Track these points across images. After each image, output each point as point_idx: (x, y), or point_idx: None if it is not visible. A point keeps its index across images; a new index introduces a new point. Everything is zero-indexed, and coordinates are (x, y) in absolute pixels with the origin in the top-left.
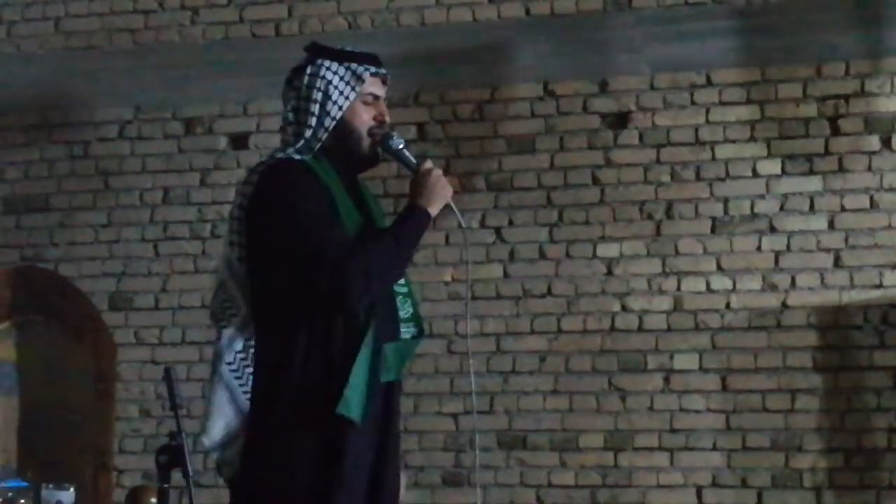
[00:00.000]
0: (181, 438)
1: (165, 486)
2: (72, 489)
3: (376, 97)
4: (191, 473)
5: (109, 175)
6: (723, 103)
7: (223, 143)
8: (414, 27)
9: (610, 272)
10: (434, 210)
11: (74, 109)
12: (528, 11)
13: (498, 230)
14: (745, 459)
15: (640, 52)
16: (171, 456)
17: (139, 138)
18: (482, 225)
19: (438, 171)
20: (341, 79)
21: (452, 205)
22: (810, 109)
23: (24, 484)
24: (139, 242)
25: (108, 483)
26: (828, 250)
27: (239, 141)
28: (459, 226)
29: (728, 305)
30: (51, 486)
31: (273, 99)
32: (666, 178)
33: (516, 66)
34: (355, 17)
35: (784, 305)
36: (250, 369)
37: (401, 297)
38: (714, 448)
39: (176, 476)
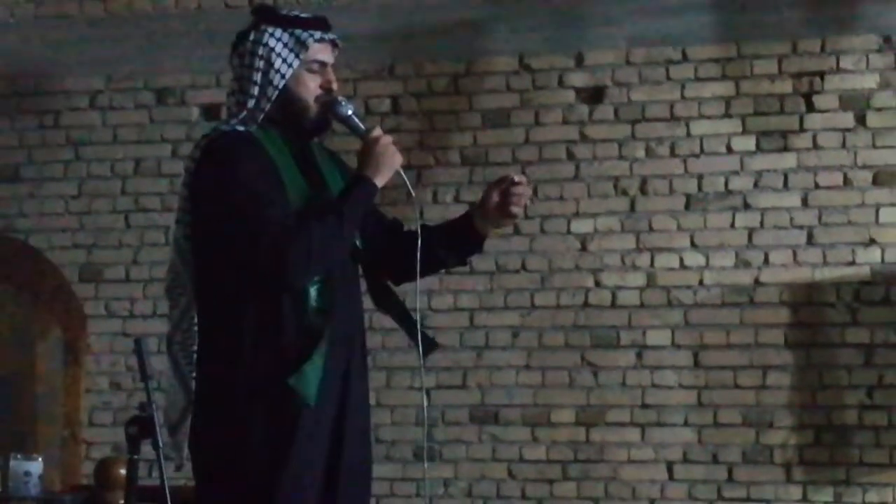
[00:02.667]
0: (151, 410)
1: (135, 457)
2: (40, 459)
3: (323, 64)
4: (161, 445)
5: (80, 145)
6: (698, 79)
7: (195, 113)
8: (390, 1)
9: (584, 248)
10: (381, 180)
11: (45, 79)
12: None
13: (472, 205)
14: (716, 435)
15: (615, 27)
16: (141, 427)
17: (110, 108)
18: (456, 200)
19: (387, 139)
20: (284, 45)
21: (402, 173)
22: (785, 86)
23: None
24: (110, 214)
25: (76, 454)
26: (801, 227)
27: (211, 112)
28: (408, 195)
29: (701, 282)
30: (19, 456)
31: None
32: (641, 153)
33: (492, 39)
34: None
35: (757, 282)
36: (195, 348)
37: None
38: (685, 424)
39: (146, 449)
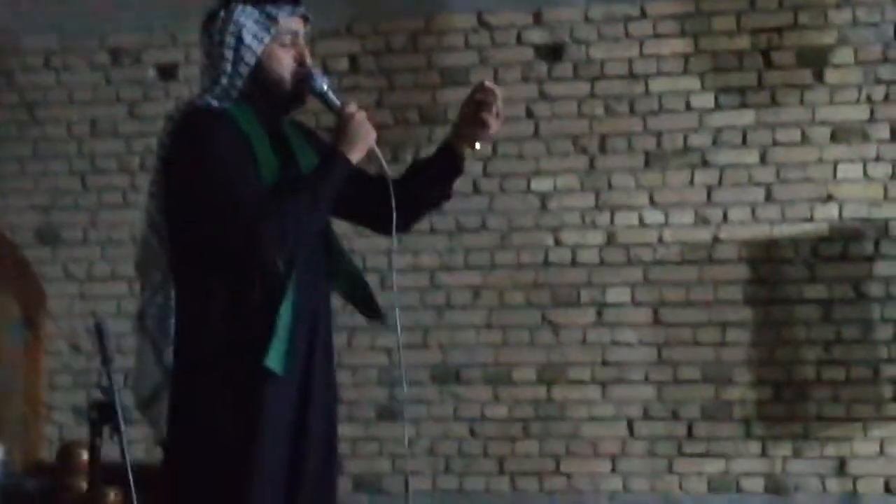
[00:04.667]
0: (113, 393)
1: (97, 441)
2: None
3: (294, 37)
4: (122, 429)
5: (35, 106)
6: (657, 36)
7: (151, 73)
8: None
9: (544, 206)
10: (356, 156)
11: None
12: None
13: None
14: (675, 392)
15: None
16: (102, 411)
17: (65, 68)
18: (416, 158)
19: (362, 115)
20: (255, 22)
21: (377, 150)
22: (743, 42)
23: None
24: (66, 175)
25: (39, 432)
26: (759, 184)
27: (167, 72)
28: (381, 171)
29: (660, 239)
30: None
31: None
32: (600, 111)
33: None
34: None
35: (716, 239)
36: (172, 321)
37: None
38: (646, 381)
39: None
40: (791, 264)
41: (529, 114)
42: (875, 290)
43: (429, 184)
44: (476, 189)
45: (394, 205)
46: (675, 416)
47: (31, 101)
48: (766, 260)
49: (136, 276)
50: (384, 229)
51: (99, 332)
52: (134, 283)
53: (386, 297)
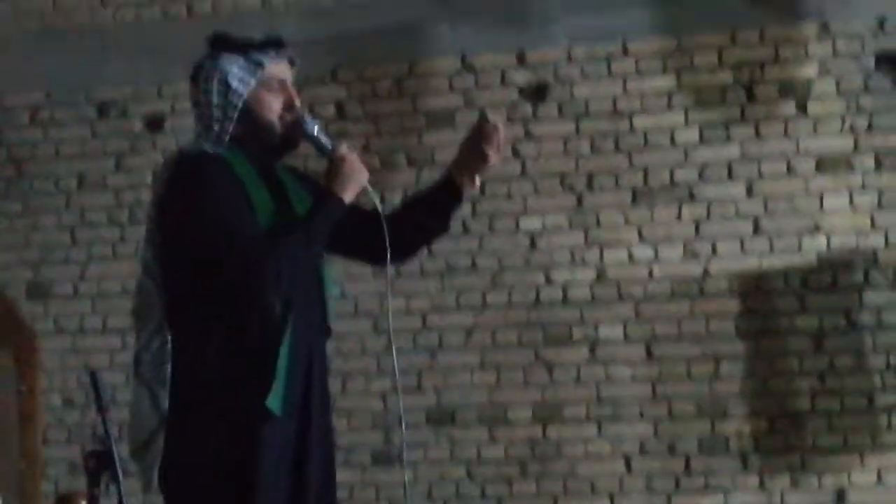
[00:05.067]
0: (110, 442)
1: (95, 491)
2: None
3: (282, 81)
4: (120, 478)
5: (23, 161)
6: (639, 73)
7: (138, 125)
8: (328, 5)
9: (533, 245)
10: (349, 196)
11: None
12: None
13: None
14: (672, 427)
15: (556, 24)
16: (100, 460)
17: (52, 123)
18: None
19: (354, 156)
20: (241, 68)
21: (370, 189)
22: (726, 77)
23: None
24: (56, 229)
25: (34, 487)
26: (747, 217)
27: (154, 124)
28: (376, 207)
29: (651, 274)
30: None
31: (188, 80)
32: (586, 149)
33: (433, 40)
34: None
35: (706, 273)
36: (168, 366)
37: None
38: (641, 417)
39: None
40: (782, 296)
41: (516, 153)
42: (866, 318)
43: (428, 214)
44: (465, 229)
45: (387, 239)
46: (671, 451)
47: (18, 157)
48: (756, 292)
49: (133, 323)
50: (379, 262)
51: (94, 382)
52: (126, 335)
53: (380, 341)
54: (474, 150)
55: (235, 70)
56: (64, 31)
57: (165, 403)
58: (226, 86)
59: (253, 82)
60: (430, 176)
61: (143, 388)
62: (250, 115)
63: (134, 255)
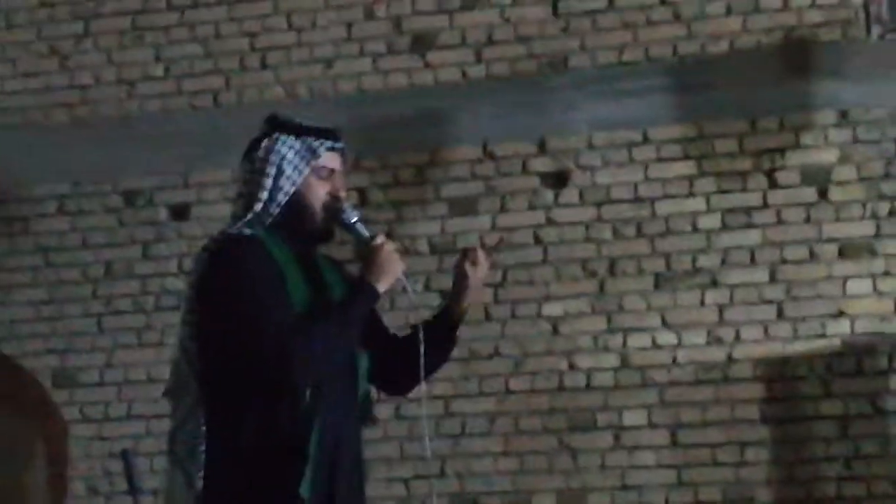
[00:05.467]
0: None
1: None
2: None
3: (332, 171)
4: None
5: (49, 251)
6: (661, 160)
7: (164, 214)
8: (351, 94)
9: (556, 331)
10: (383, 287)
11: (12, 186)
12: (464, 74)
13: (443, 292)
14: None
15: (577, 111)
16: None
17: (79, 213)
18: (427, 288)
19: (390, 247)
20: (296, 153)
21: (404, 280)
22: (746, 163)
23: None
24: (82, 318)
25: None
26: (770, 302)
27: (180, 212)
28: (407, 295)
29: (674, 360)
30: None
31: (213, 169)
32: (608, 235)
33: (455, 128)
34: (293, 86)
35: (730, 358)
36: (203, 448)
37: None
38: None
39: None
40: (806, 381)
41: (537, 240)
42: (892, 404)
43: (431, 341)
44: (488, 316)
45: (422, 345)
46: None
47: (45, 245)
48: (781, 377)
49: (168, 401)
50: (397, 391)
51: (126, 461)
52: (151, 423)
53: (402, 426)
54: (459, 274)
55: (291, 156)
56: (90, 122)
57: (199, 483)
58: (279, 170)
59: (306, 170)
60: (452, 262)
61: (178, 468)
62: (296, 199)
63: (159, 343)
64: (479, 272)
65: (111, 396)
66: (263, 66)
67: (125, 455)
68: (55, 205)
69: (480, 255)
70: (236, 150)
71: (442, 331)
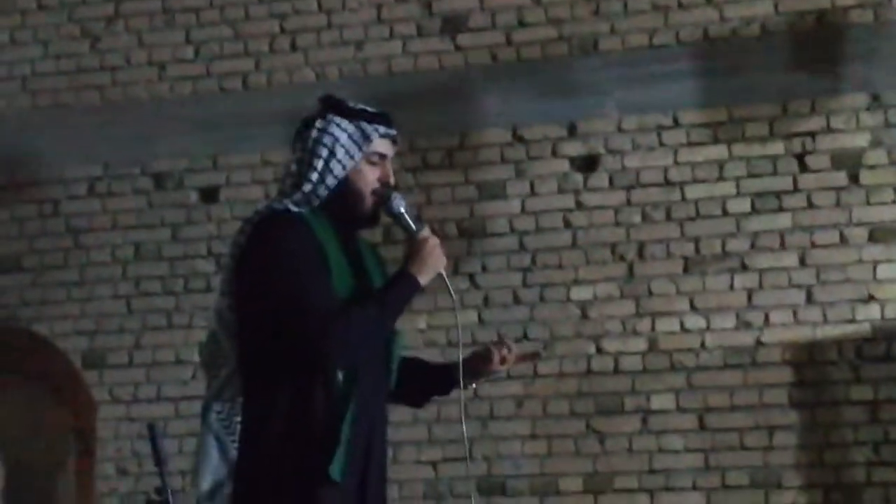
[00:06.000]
0: (167, 494)
1: None
2: None
3: (383, 157)
4: None
5: (80, 233)
6: (691, 144)
7: (193, 197)
8: (381, 76)
9: (584, 315)
10: (425, 279)
11: (43, 168)
12: (494, 57)
13: (472, 276)
14: (724, 498)
15: (607, 95)
16: None
17: (109, 195)
18: (455, 271)
19: (435, 241)
20: (349, 137)
21: (445, 276)
22: (777, 147)
23: None
24: (111, 299)
25: None
26: (800, 286)
27: (209, 195)
28: (450, 295)
29: (703, 344)
30: None
31: (242, 152)
32: (637, 219)
33: (484, 112)
34: (323, 68)
35: (758, 343)
36: (238, 418)
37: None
38: (694, 488)
39: None
40: (835, 366)
41: (567, 224)
42: None
43: (429, 387)
44: (516, 300)
45: (461, 355)
46: None
47: (75, 227)
48: (810, 362)
49: (203, 372)
50: (412, 404)
51: (152, 435)
52: (180, 404)
53: (431, 410)
54: (487, 358)
55: (345, 139)
56: (121, 104)
57: (234, 453)
58: (331, 153)
59: (358, 155)
60: (481, 246)
61: (211, 437)
62: (346, 183)
63: (188, 325)
64: (501, 367)
65: (140, 378)
66: (293, 48)
67: (151, 429)
68: (85, 186)
69: (511, 357)
70: (266, 133)
71: (441, 381)
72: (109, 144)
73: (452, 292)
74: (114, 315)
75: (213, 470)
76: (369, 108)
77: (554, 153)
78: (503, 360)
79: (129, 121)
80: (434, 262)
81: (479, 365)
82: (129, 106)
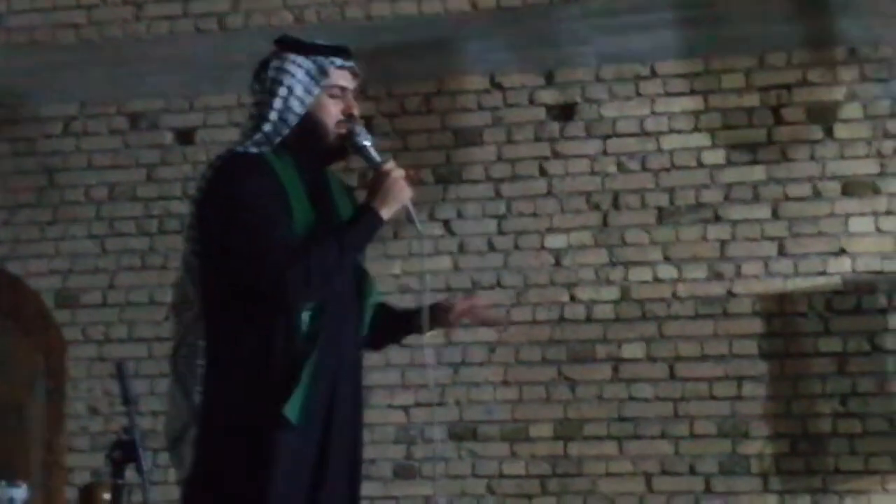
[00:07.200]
0: (134, 433)
1: (119, 481)
2: (24, 486)
3: (343, 89)
4: (144, 469)
5: (54, 172)
6: (667, 94)
7: (169, 138)
8: (360, 21)
9: (558, 263)
10: (387, 213)
11: (18, 106)
12: (474, 5)
13: (447, 223)
14: (693, 447)
15: (585, 44)
16: (125, 451)
17: (84, 134)
18: (431, 218)
19: (399, 172)
20: (306, 73)
21: (410, 208)
22: (753, 99)
23: None
24: (85, 239)
25: (60, 480)
26: (772, 239)
27: (185, 136)
28: (416, 227)
29: (674, 294)
30: (3, 482)
31: (219, 94)
32: (612, 169)
33: (462, 58)
34: (301, 11)
35: (730, 294)
36: (201, 362)
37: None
38: (662, 436)
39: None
40: (805, 318)
41: (542, 172)
42: (890, 342)
43: (390, 332)
44: (491, 247)
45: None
46: (692, 470)
47: (50, 166)
48: (780, 314)
49: (172, 317)
50: (371, 347)
51: (120, 374)
52: (153, 345)
53: (404, 354)
54: (446, 311)
55: (301, 75)
56: (97, 43)
57: (197, 397)
58: (289, 90)
59: (317, 90)
60: (456, 193)
61: (178, 383)
62: (309, 118)
63: (162, 266)
64: (455, 324)
65: (113, 318)
66: None
67: (120, 368)
68: (61, 125)
69: (475, 317)
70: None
71: (400, 326)
72: (85, 84)
73: (418, 224)
74: (87, 255)
75: (178, 415)
76: (325, 43)
77: (531, 101)
78: (463, 315)
79: (106, 60)
80: (398, 194)
81: (440, 315)
82: (105, 45)
